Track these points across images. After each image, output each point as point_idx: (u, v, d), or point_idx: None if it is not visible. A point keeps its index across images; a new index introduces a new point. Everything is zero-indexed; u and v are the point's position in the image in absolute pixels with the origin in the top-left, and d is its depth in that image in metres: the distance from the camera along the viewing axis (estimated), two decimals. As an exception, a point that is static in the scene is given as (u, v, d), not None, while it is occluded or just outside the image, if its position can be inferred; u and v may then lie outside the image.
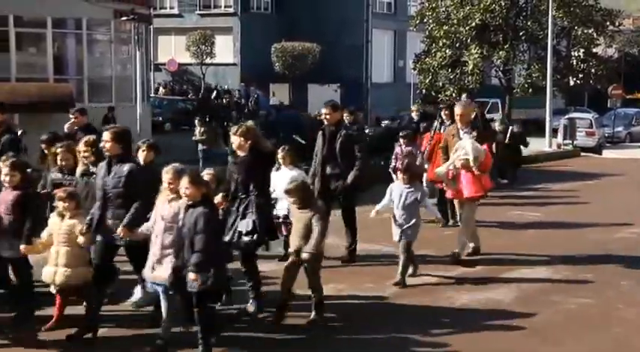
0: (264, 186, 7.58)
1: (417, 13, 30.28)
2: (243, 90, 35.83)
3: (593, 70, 28.20)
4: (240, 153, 7.54)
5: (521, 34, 27.34)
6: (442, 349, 6.78)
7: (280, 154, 9.26)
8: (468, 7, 26.69)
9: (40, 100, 16.66)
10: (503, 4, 26.46)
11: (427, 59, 28.21)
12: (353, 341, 7.01)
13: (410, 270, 8.84)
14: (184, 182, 6.28)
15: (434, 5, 27.94)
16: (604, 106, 33.59)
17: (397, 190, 8.73)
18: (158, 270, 6.39)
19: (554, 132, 26.50)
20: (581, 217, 13.40)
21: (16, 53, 19.55)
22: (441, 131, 11.85)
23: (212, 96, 34.61)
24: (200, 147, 18.77)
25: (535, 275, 9.24)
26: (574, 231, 11.98)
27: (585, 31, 27.92)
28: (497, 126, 17.41)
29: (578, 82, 29.45)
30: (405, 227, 8.60)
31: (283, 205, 8.78)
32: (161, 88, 36.47)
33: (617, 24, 28.90)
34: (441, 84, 27.74)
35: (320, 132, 9.65)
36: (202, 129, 19.01)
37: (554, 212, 14.02)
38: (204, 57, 35.92)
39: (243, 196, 7.45)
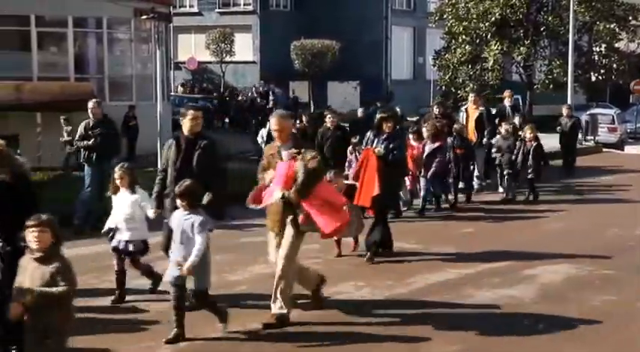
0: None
1: (436, 9, 30.19)
2: (263, 87, 35.81)
3: (615, 66, 27.93)
4: None
5: (542, 29, 27.11)
6: (460, 346, 6.76)
7: (117, 173, 7.65)
8: (487, 2, 26.51)
9: (61, 99, 16.82)
10: (523, -1, 26.28)
11: (447, 55, 28.09)
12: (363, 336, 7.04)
13: (220, 326, 6.75)
14: None
15: (453, 1, 27.79)
16: (626, 102, 33.22)
17: (175, 220, 6.61)
18: None
19: (576, 128, 26.25)
20: (602, 213, 13.33)
21: (38, 52, 19.68)
22: (374, 145, 9.59)
23: (249, 97, 34.37)
24: (68, 149, 16.07)
25: (556, 272, 9.18)
26: (595, 227, 11.91)
27: (607, 26, 27.62)
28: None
29: (600, 77, 29.17)
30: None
31: (122, 237, 7.53)
32: (179, 87, 36.53)
33: (639, 18, 28.58)
34: (461, 80, 27.60)
35: (172, 142, 7.66)
36: (70, 128, 15.61)
37: (575, 208, 13.92)
38: (224, 55, 36.03)
39: None
